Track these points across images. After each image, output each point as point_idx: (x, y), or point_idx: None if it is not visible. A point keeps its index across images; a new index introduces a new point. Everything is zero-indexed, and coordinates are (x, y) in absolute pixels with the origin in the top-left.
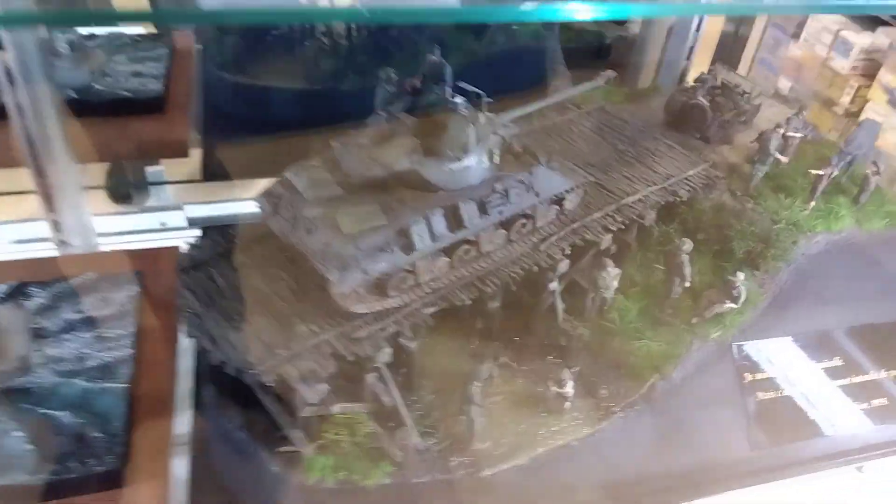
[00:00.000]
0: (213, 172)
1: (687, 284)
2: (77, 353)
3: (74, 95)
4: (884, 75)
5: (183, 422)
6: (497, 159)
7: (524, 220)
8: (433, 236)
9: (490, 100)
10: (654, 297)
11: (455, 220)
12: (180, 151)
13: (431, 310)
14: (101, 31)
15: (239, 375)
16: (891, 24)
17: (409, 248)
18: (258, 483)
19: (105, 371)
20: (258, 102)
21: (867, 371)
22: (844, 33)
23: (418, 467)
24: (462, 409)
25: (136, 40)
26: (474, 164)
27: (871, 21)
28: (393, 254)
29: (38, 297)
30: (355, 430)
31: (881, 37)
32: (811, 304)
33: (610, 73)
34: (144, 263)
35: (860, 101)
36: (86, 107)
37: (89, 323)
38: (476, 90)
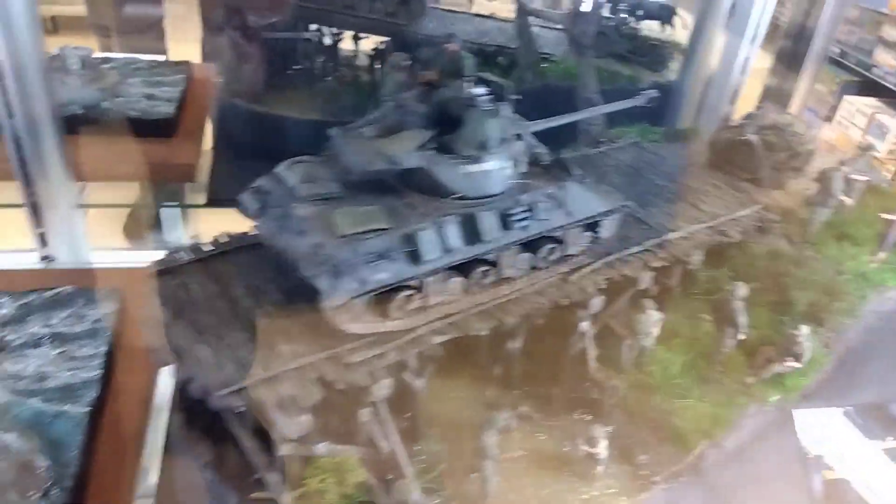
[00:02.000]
0: (220, 199)
1: (741, 336)
2: (38, 371)
3: (79, 111)
4: None
5: (153, 456)
6: (523, 167)
7: (552, 244)
8: (445, 248)
9: (518, 96)
10: (701, 351)
11: (472, 232)
12: (187, 175)
13: (441, 339)
14: (117, 55)
15: (204, 397)
16: None
17: (415, 258)
18: None
19: (66, 393)
20: (275, 133)
21: None
22: (880, 116)
23: None
24: (475, 463)
25: (154, 66)
26: (495, 169)
27: None
28: (396, 263)
29: (5, 308)
30: (344, 478)
31: None
32: (886, 368)
33: (652, 93)
34: (129, 282)
35: None
36: (92, 124)
37: (57, 339)
38: (501, 81)
